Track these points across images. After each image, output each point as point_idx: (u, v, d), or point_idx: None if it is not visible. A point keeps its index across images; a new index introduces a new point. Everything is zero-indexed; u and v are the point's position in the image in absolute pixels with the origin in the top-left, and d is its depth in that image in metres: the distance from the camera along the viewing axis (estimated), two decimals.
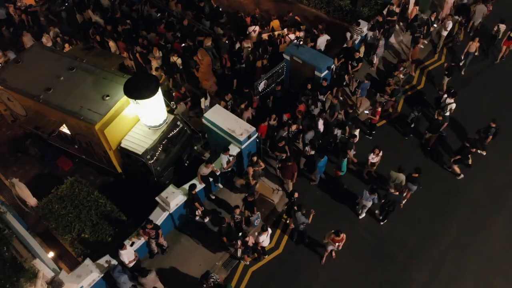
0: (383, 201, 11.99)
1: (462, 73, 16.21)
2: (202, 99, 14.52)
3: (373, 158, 12.79)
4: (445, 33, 16.26)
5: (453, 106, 13.80)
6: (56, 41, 16.40)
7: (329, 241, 11.06)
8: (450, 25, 15.92)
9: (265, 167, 12.76)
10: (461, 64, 16.00)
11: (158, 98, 11.84)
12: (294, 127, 13.44)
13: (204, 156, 14.16)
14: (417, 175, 12.06)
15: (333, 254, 11.76)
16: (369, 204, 12.04)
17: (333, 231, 10.88)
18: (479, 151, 13.54)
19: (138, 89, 11.40)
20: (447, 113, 13.82)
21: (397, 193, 11.79)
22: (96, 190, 12.43)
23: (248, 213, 11.71)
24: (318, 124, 13.32)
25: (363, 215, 12.71)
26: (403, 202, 12.73)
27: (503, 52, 16.35)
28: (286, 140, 12.93)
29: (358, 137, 13.24)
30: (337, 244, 10.98)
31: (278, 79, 15.19)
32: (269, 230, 10.94)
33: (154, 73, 14.98)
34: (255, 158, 12.03)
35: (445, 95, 13.98)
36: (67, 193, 12.12)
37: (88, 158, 13.61)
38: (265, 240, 10.94)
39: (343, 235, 10.88)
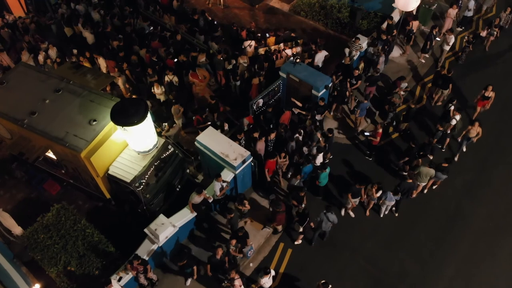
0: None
1: (456, 159, 13.76)
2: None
3: (370, 190, 12.05)
4: (447, 48, 15.72)
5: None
6: (46, 62, 15.76)
7: None
8: (452, 40, 15.39)
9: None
10: (456, 157, 13.80)
11: (148, 123, 11.27)
12: (272, 136, 12.92)
13: (197, 178, 13.62)
14: (446, 165, 12.26)
15: None
16: (392, 203, 12.14)
17: (322, 281, 10.00)
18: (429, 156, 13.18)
19: (126, 115, 10.77)
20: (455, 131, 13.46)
21: (411, 181, 12.03)
22: (83, 218, 11.90)
23: (240, 246, 11.16)
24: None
25: (386, 212, 12.66)
26: (435, 187, 13.07)
27: (477, 112, 14.51)
28: (305, 190, 12.12)
29: (319, 162, 12.59)
30: None
31: (275, 97, 14.65)
32: (272, 272, 10.33)
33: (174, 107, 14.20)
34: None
35: (452, 107, 13.44)
36: (53, 222, 11.62)
37: (76, 183, 13.07)
38: (266, 282, 10.33)
39: None
